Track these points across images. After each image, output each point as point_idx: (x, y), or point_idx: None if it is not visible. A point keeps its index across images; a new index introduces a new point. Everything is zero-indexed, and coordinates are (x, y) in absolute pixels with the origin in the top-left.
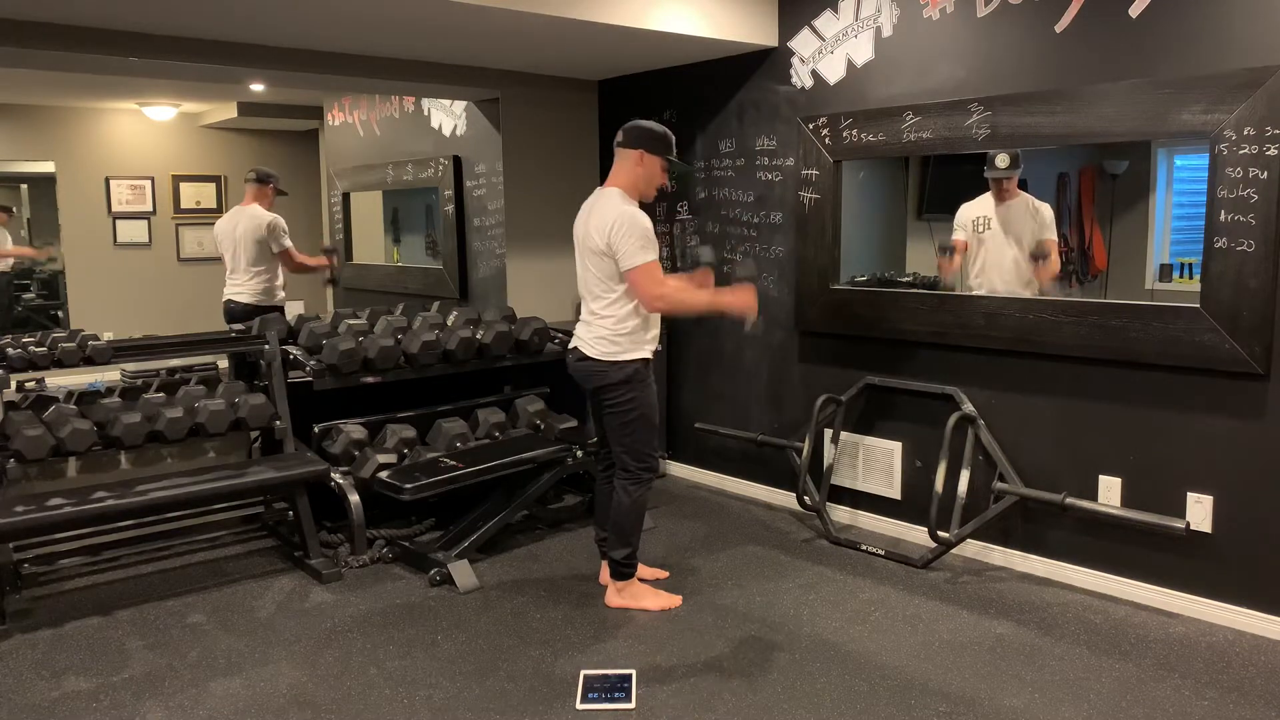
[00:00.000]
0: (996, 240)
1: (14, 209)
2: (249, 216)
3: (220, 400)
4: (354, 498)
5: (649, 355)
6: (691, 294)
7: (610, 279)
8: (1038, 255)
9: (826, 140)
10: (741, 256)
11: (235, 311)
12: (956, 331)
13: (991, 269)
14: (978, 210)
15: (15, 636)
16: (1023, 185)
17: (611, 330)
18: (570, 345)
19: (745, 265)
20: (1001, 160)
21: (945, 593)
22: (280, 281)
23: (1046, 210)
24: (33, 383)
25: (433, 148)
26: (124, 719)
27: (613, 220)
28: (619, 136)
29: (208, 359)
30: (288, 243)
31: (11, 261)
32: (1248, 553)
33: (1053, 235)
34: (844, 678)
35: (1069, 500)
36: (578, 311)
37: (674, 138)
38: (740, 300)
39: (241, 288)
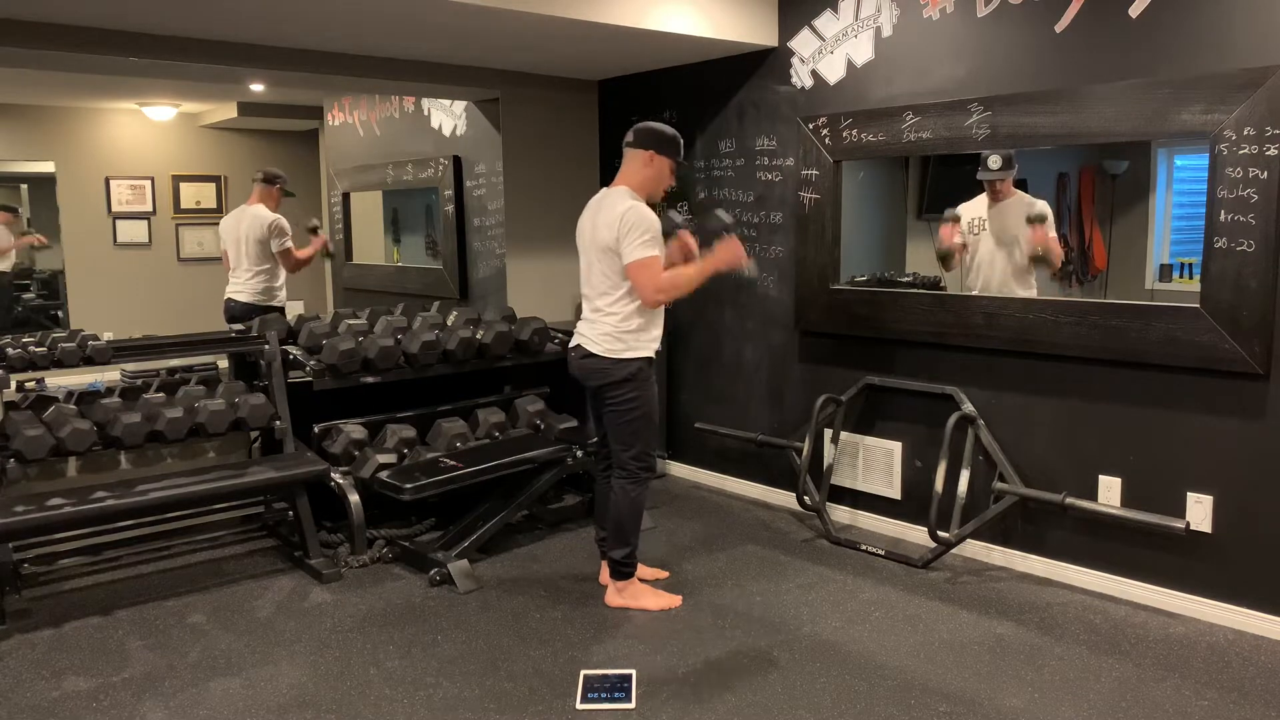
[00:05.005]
0: (991, 241)
1: (19, 209)
2: (252, 216)
3: (220, 400)
4: (354, 498)
5: (652, 354)
6: (684, 275)
7: (617, 274)
8: (1033, 219)
9: (826, 140)
10: (708, 216)
11: (235, 310)
12: (956, 331)
13: (987, 268)
14: (973, 211)
15: (15, 636)
16: (1022, 185)
17: (616, 327)
18: (572, 344)
19: (713, 217)
20: (994, 162)
21: (945, 593)
22: (281, 282)
23: (1042, 204)
24: (33, 383)
25: (433, 148)
26: (124, 719)
27: (622, 213)
28: (629, 136)
29: (208, 359)
30: (288, 243)
31: (14, 261)
32: (1248, 553)
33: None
34: (844, 678)
35: (1069, 500)
36: (578, 313)
37: (683, 140)
38: (727, 257)
39: (242, 287)
